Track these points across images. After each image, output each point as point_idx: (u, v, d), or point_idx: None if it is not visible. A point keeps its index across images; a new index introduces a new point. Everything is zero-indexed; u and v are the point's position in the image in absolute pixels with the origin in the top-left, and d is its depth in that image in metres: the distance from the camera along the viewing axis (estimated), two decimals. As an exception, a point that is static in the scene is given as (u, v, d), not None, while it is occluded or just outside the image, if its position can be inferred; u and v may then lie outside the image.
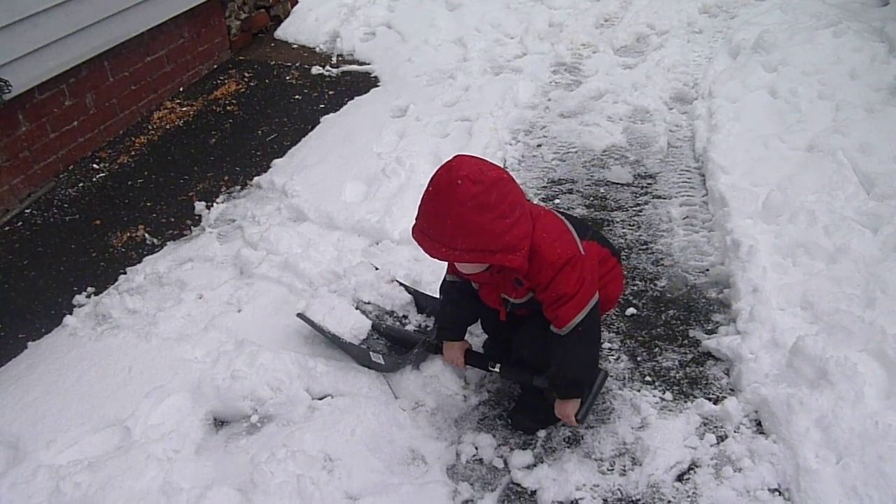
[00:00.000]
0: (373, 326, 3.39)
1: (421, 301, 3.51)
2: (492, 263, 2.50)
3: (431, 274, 3.74)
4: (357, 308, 3.43)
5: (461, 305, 3.00)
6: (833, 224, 3.79)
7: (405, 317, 3.48)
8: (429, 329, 3.37)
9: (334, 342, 3.30)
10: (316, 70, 6.33)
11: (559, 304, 2.57)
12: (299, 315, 3.36)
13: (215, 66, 6.40)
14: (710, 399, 3.13)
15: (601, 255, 2.83)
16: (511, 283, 2.66)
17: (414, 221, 2.52)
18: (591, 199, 4.49)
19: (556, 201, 4.48)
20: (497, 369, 2.99)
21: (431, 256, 2.47)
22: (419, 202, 2.47)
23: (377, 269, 3.66)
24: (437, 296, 3.26)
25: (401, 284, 3.57)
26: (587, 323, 2.60)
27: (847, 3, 6.64)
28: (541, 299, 2.64)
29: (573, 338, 2.61)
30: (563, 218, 2.71)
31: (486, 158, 2.58)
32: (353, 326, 3.34)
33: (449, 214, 2.35)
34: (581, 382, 2.76)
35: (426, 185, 2.44)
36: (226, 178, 4.87)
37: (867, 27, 5.84)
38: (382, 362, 3.20)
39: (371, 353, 3.21)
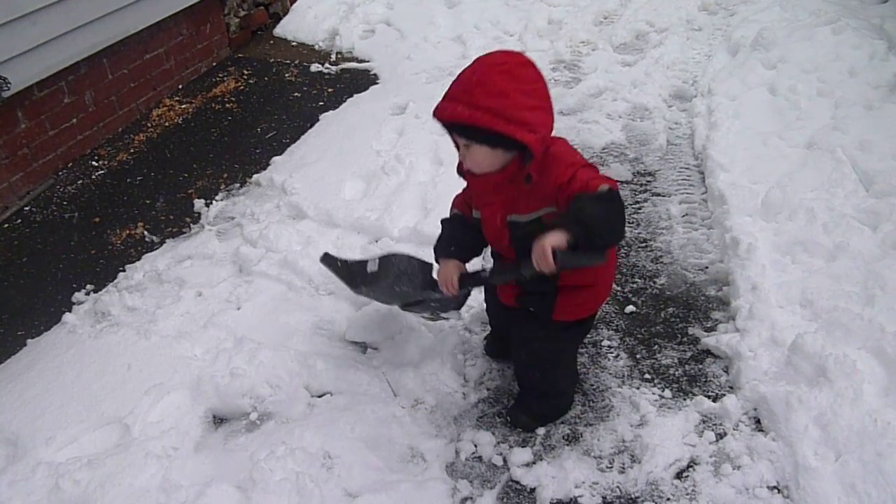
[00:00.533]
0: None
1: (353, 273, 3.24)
2: (504, 134, 2.28)
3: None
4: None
5: (460, 231, 2.85)
6: (832, 221, 3.79)
7: None
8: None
9: (348, 270, 3.19)
10: (315, 67, 6.32)
11: (588, 184, 2.29)
12: (325, 256, 3.29)
13: (214, 64, 6.39)
14: (709, 397, 3.13)
15: None
16: (522, 189, 2.44)
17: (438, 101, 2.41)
18: (591, 196, 4.48)
19: (556, 199, 4.48)
20: (487, 274, 2.75)
21: (450, 119, 2.36)
22: None
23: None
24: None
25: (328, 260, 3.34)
26: (618, 199, 2.27)
27: (846, 0, 6.63)
28: (563, 199, 2.34)
29: (606, 197, 2.25)
30: None
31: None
32: None
33: (476, 73, 2.32)
34: (590, 228, 2.18)
35: None
36: (225, 175, 4.87)
37: (866, 24, 5.84)
38: (377, 269, 3.08)
39: (367, 262, 3.08)
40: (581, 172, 2.34)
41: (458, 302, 3.14)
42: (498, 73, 2.30)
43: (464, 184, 2.78)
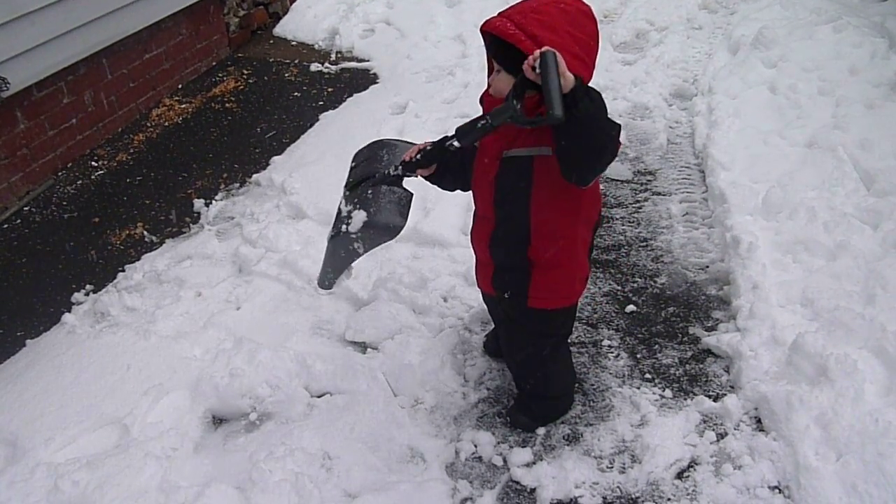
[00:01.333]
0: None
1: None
2: None
3: (431, 271, 3.74)
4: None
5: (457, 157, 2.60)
6: (833, 220, 3.78)
7: None
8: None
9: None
10: (315, 67, 6.32)
11: None
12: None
13: (214, 64, 6.39)
14: (709, 396, 3.12)
15: (597, 198, 2.66)
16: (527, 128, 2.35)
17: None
18: (591, 195, 4.47)
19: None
20: (454, 139, 2.43)
21: (491, 29, 2.26)
22: None
23: None
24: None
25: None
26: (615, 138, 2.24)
27: (847, -2, 6.63)
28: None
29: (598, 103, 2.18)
30: None
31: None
32: None
33: (538, 1, 2.26)
34: (588, 91, 2.16)
35: None
36: (224, 175, 4.87)
37: (867, 23, 5.83)
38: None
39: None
40: None
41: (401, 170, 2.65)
42: (557, 9, 2.24)
43: None
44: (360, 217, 2.60)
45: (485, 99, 2.52)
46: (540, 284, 2.63)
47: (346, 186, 2.80)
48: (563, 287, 2.68)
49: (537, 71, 2.07)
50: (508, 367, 3.12)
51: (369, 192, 2.63)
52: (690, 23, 6.81)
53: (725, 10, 7.08)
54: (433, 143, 2.56)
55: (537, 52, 2.07)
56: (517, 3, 2.31)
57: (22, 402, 3.08)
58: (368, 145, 2.87)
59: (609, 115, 2.24)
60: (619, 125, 2.28)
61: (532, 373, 2.94)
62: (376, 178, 2.66)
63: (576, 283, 2.71)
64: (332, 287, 2.91)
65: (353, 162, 2.89)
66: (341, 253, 2.71)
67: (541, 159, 2.39)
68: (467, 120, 2.43)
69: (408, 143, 2.80)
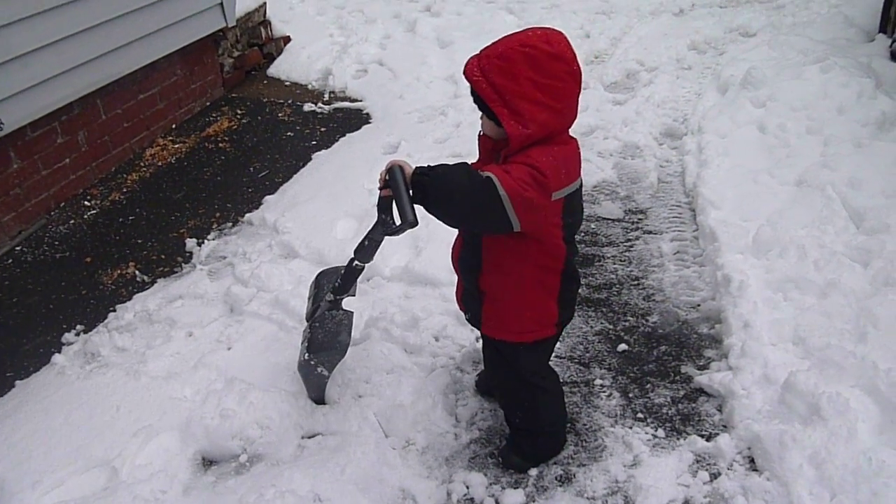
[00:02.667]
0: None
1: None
2: (494, 112, 2.32)
3: (422, 310, 3.73)
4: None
5: None
6: (823, 259, 3.80)
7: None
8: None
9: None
10: (308, 107, 6.37)
11: (504, 168, 2.31)
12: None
13: (208, 104, 6.43)
14: (702, 436, 3.11)
15: (553, 227, 2.49)
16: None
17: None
18: (582, 234, 4.49)
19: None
20: (356, 259, 2.88)
21: (466, 76, 2.39)
22: None
23: None
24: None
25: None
26: (486, 189, 2.27)
27: (834, 39, 6.72)
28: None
29: (475, 174, 2.31)
30: (578, 179, 2.48)
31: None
32: None
33: (504, 44, 2.30)
34: (433, 179, 2.36)
35: None
36: (217, 214, 4.87)
37: (854, 63, 5.91)
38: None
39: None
40: (519, 158, 2.33)
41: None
42: (522, 54, 2.25)
43: None
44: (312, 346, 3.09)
45: (479, 138, 2.59)
46: (489, 313, 2.72)
47: (306, 319, 3.26)
48: (512, 322, 2.70)
49: (387, 187, 2.46)
50: (499, 401, 3.12)
51: (315, 322, 3.09)
52: (680, 63, 6.89)
53: (714, 50, 7.18)
54: (344, 267, 2.98)
55: (383, 170, 2.42)
56: (495, 44, 2.36)
57: (10, 444, 3.05)
58: (315, 278, 3.35)
59: (461, 180, 2.31)
60: (483, 179, 2.28)
61: (519, 405, 2.93)
62: (320, 309, 3.11)
63: (525, 321, 2.69)
64: (323, 400, 3.28)
65: (308, 295, 3.35)
66: (312, 377, 3.17)
67: None
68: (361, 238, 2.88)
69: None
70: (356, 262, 2.89)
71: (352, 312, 3.14)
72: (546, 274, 2.61)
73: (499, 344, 2.79)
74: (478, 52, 2.40)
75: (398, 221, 2.52)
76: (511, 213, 2.31)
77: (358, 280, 3.08)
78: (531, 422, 2.96)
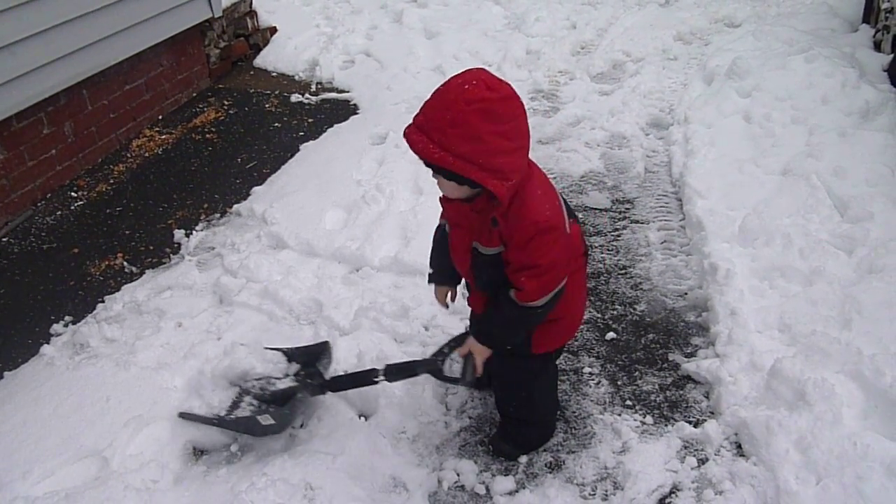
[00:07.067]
0: (242, 390, 3.19)
1: (294, 356, 3.28)
2: (475, 181, 2.22)
3: (412, 300, 3.74)
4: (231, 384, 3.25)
5: (447, 250, 2.77)
6: (808, 247, 3.84)
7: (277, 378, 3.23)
8: (302, 374, 3.20)
9: (225, 426, 3.09)
10: (295, 98, 6.35)
11: (530, 274, 2.40)
12: (182, 415, 3.13)
13: (195, 95, 6.41)
14: (690, 422, 3.14)
15: (575, 248, 2.62)
16: (487, 225, 2.43)
17: (410, 121, 2.30)
18: (570, 224, 4.50)
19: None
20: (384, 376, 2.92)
21: (420, 155, 2.25)
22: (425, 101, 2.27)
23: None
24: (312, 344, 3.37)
25: (273, 349, 3.33)
26: (546, 307, 2.48)
27: (818, 29, 6.76)
28: (509, 259, 2.44)
29: (524, 311, 2.48)
30: (557, 190, 2.53)
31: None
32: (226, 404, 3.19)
33: (451, 110, 2.15)
34: (493, 339, 2.63)
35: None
36: (205, 205, 4.86)
37: (838, 53, 5.95)
38: (273, 421, 3.01)
39: (258, 417, 3.02)
40: (532, 250, 2.38)
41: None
42: (475, 112, 2.14)
43: None
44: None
45: (447, 206, 2.62)
46: (543, 336, 2.72)
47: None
48: (561, 334, 2.83)
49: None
50: (494, 391, 3.13)
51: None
52: (666, 54, 6.92)
53: (700, 41, 7.21)
54: (361, 372, 3.05)
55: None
56: (434, 108, 2.23)
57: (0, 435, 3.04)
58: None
59: (513, 328, 2.60)
60: (528, 324, 2.59)
61: (517, 396, 2.94)
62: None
63: (571, 328, 2.87)
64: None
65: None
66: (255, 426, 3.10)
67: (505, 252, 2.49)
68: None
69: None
70: (381, 377, 2.89)
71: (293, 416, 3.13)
72: (578, 277, 2.70)
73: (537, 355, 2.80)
74: (412, 121, 2.28)
75: (454, 373, 2.78)
76: (561, 284, 2.50)
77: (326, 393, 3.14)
78: (526, 412, 2.98)
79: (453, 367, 2.85)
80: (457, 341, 2.76)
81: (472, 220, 2.48)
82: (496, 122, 2.18)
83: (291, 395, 3.08)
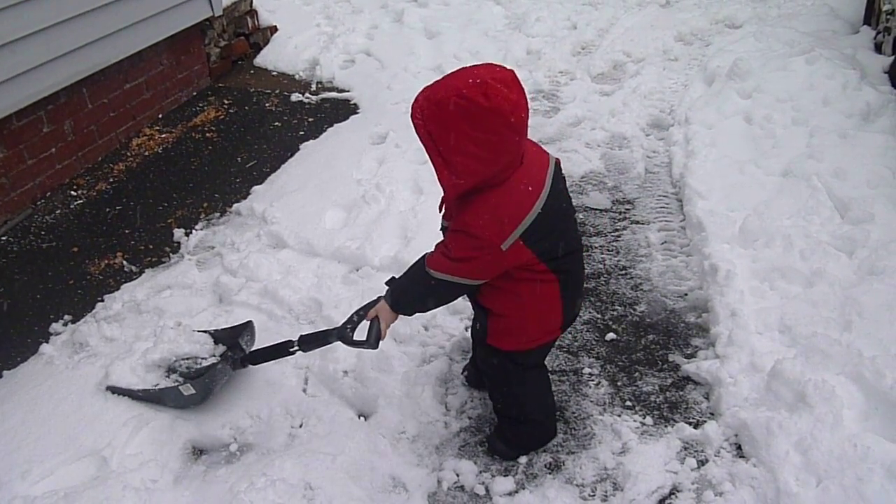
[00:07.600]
0: (169, 368, 3.31)
1: (220, 338, 3.42)
2: (430, 159, 2.36)
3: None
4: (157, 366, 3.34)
5: None
6: (809, 248, 3.83)
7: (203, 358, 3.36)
8: (227, 353, 3.32)
9: (149, 398, 3.18)
10: (295, 97, 6.35)
11: (444, 249, 2.51)
12: (109, 388, 3.22)
13: (195, 93, 6.40)
14: (690, 423, 3.14)
15: (528, 261, 2.52)
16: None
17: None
18: (571, 224, 4.50)
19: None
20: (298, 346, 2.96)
21: (412, 114, 2.33)
22: None
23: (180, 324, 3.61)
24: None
25: (200, 332, 3.45)
26: (444, 286, 2.54)
27: (819, 31, 6.76)
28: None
29: (426, 276, 2.54)
30: (532, 211, 2.42)
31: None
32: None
33: (445, 92, 2.22)
34: (398, 300, 2.68)
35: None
36: (205, 204, 4.86)
37: (839, 55, 5.94)
38: (194, 391, 3.11)
39: (180, 388, 3.12)
40: (454, 235, 2.47)
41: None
42: (457, 107, 2.20)
43: None
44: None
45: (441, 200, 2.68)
46: (495, 328, 2.74)
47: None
48: (516, 334, 2.74)
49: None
50: (486, 386, 3.12)
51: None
52: (666, 54, 6.91)
53: (701, 42, 7.21)
54: (278, 343, 3.06)
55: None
56: (437, 83, 2.31)
57: (-2, 434, 3.04)
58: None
59: (414, 288, 2.64)
60: (427, 292, 2.62)
61: (505, 393, 2.94)
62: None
63: (531, 332, 2.74)
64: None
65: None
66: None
67: None
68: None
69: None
70: (295, 347, 2.93)
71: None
72: (544, 289, 2.62)
73: (501, 350, 2.80)
74: (429, 84, 2.34)
75: (360, 337, 2.73)
76: (467, 280, 2.51)
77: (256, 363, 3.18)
78: (515, 409, 2.98)
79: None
80: (366, 308, 2.78)
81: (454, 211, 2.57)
82: (472, 127, 2.23)
83: (212, 368, 3.18)
